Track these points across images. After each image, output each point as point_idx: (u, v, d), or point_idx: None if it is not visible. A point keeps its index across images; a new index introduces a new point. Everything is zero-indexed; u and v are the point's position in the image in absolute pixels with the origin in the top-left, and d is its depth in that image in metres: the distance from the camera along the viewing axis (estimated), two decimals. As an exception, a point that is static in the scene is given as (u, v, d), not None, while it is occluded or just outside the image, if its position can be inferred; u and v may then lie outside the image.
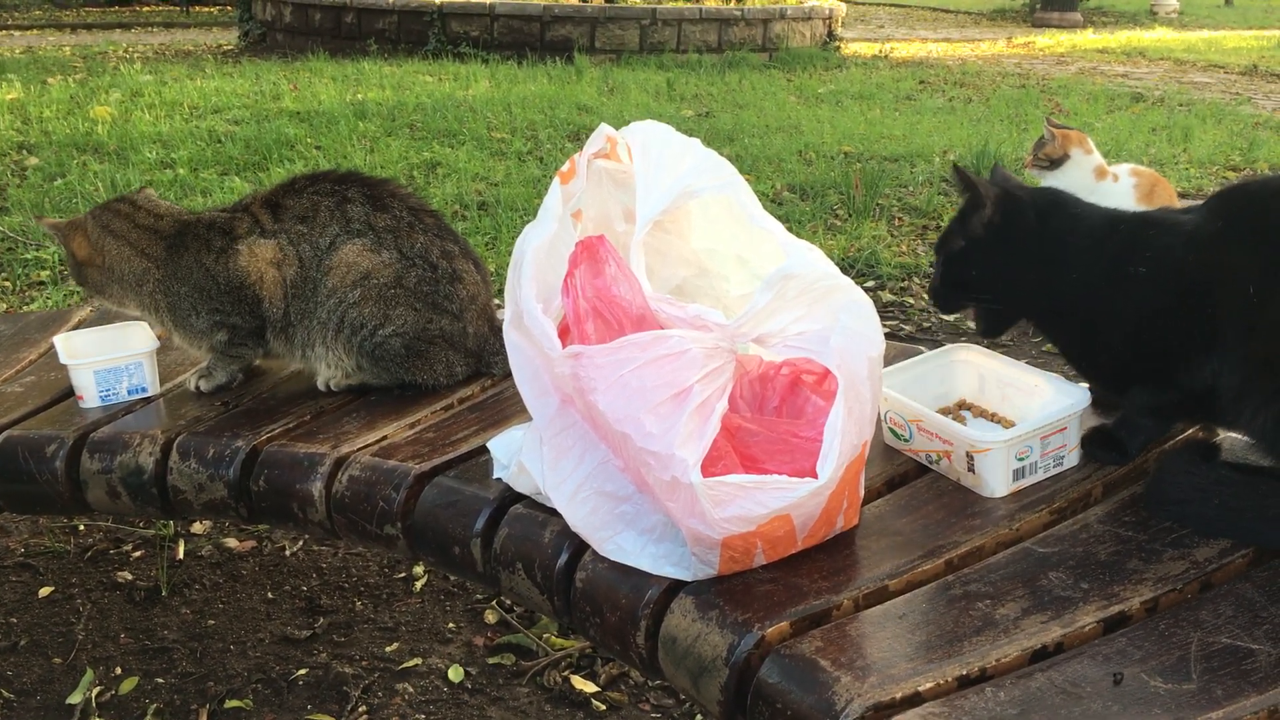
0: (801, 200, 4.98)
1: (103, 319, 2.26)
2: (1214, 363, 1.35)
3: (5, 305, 3.72)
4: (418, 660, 2.10)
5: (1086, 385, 1.54)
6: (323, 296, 1.85)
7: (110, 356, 1.89)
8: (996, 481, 1.41)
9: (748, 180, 1.40)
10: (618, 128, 1.45)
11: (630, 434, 1.19)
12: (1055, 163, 3.59)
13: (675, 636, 1.24)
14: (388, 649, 2.14)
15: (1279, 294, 1.29)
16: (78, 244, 1.93)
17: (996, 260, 1.48)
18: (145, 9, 14.30)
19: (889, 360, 1.52)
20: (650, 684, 2.03)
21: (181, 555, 2.44)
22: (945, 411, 1.58)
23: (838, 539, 1.33)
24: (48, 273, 3.96)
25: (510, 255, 1.38)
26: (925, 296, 3.96)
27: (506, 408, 1.78)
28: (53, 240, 2.04)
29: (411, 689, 2.02)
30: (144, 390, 1.91)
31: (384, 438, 1.71)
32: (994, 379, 1.60)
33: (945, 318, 3.77)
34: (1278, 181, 1.41)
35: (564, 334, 1.32)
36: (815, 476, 1.22)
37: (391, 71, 8.18)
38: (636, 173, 1.38)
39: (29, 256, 4.11)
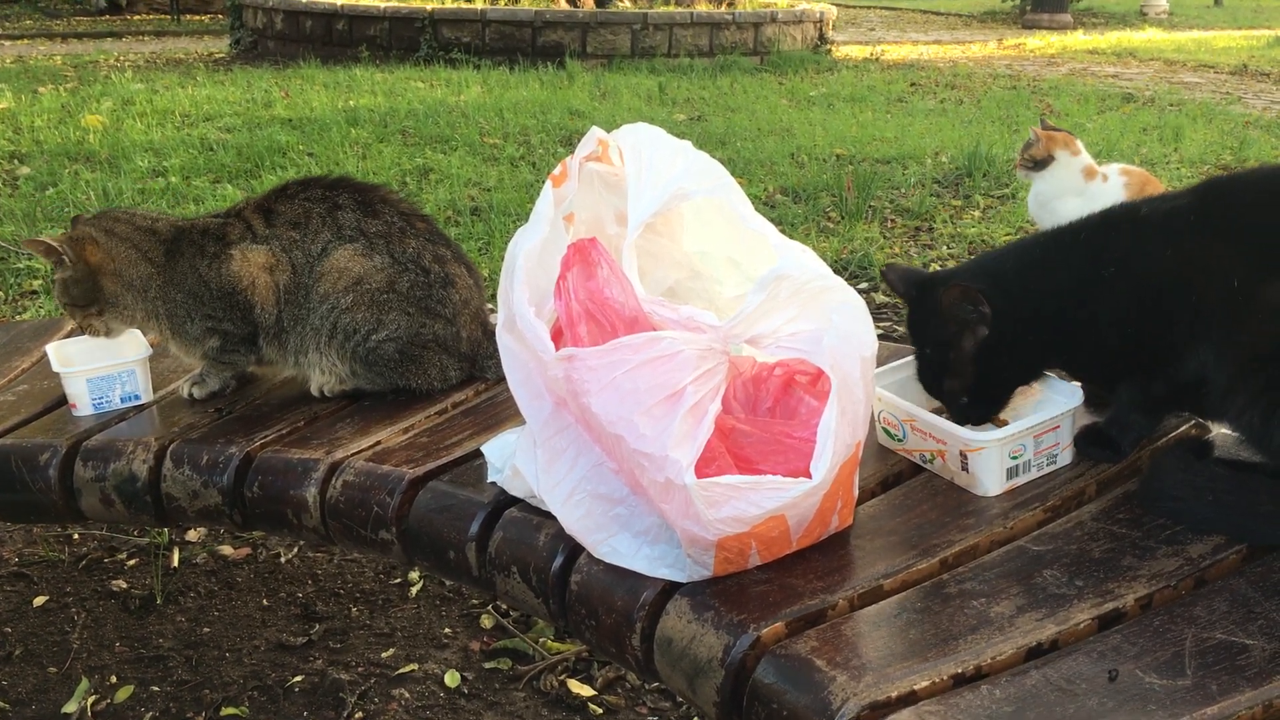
0: (794, 203, 4.99)
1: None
2: (1200, 356, 1.36)
3: (-2, 315, 3.71)
4: (414, 666, 2.10)
5: (1079, 383, 1.55)
6: (315, 302, 1.85)
7: (103, 364, 1.88)
8: (990, 480, 1.42)
9: (740, 183, 1.40)
10: (609, 132, 1.45)
11: (624, 436, 1.19)
12: (1040, 164, 3.63)
13: (671, 638, 1.24)
14: (384, 655, 2.14)
15: (1264, 288, 1.29)
16: (90, 252, 1.85)
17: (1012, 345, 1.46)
18: (136, 18, 14.27)
19: (882, 361, 1.53)
20: (647, 687, 2.03)
21: (176, 563, 2.44)
22: (938, 411, 1.58)
23: (832, 539, 1.33)
24: (40, 282, 3.95)
25: (503, 260, 1.38)
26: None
27: (500, 411, 1.78)
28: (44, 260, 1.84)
29: (408, 694, 2.02)
30: (137, 398, 1.91)
31: (378, 443, 1.71)
32: (987, 378, 1.60)
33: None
34: (1260, 174, 1.41)
35: (557, 337, 1.32)
36: (809, 477, 1.22)
37: (383, 78, 8.17)
38: (628, 175, 1.38)
39: (21, 266, 4.10)
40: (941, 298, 1.43)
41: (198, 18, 14.25)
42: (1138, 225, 1.45)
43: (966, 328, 1.44)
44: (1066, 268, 1.45)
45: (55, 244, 1.84)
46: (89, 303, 1.87)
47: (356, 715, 1.97)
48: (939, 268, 4.20)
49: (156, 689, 2.05)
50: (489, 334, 1.91)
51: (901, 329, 3.68)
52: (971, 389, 1.47)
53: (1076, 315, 1.43)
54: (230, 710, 1.98)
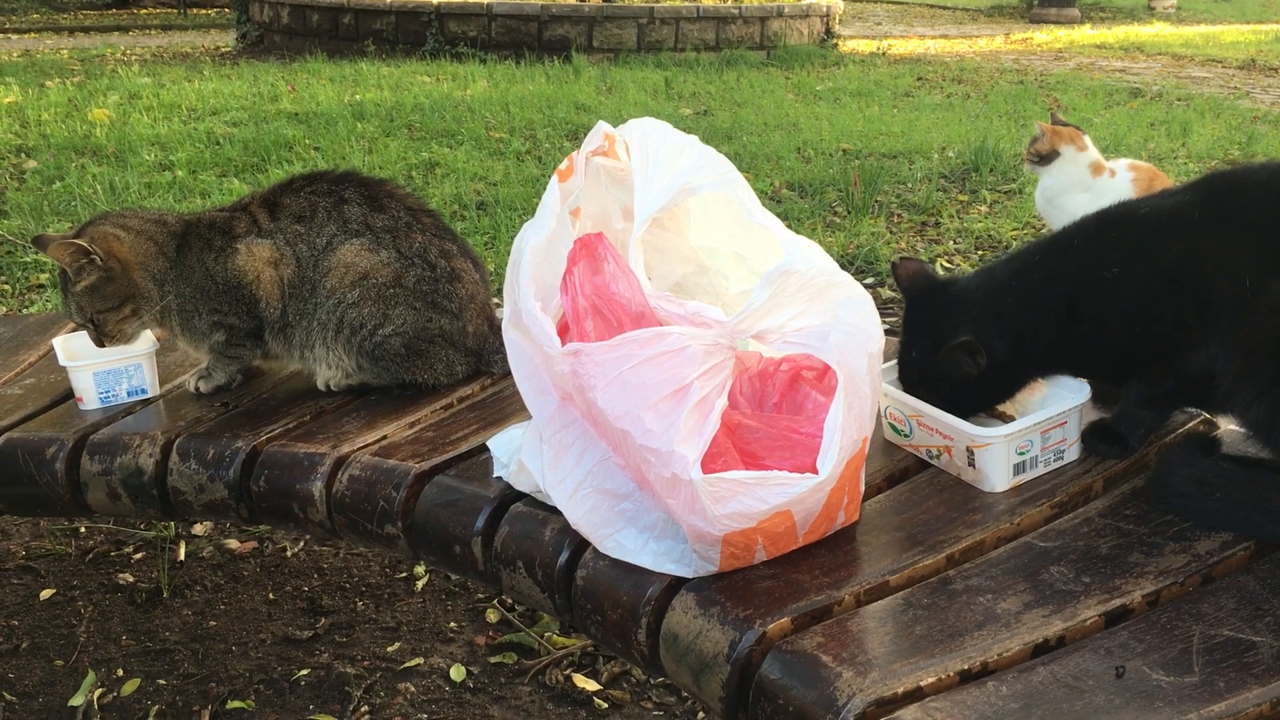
0: (800, 198, 4.98)
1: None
2: (1209, 350, 1.35)
3: (4, 308, 3.72)
4: (419, 660, 2.10)
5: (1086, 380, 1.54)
6: (321, 297, 1.85)
7: (110, 358, 1.88)
8: (997, 476, 1.41)
9: (746, 178, 1.40)
10: (616, 126, 1.45)
11: (630, 431, 1.19)
12: (1045, 158, 3.63)
13: (677, 633, 1.24)
14: (389, 649, 2.14)
15: (1274, 282, 1.29)
16: (116, 247, 1.81)
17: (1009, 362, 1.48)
18: (143, 12, 14.29)
19: (889, 356, 1.52)
20: (652, 682, 2.03)
21: (182, 557, 2.44)
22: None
23: (839, 535, 1.33)
24: (46, 275, 3.95)
25: (509, 254, 1.38)
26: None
27: (506, 406, 1.78)
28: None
29: (413, 689, 2.02)
30: (143, 392, 1.91)
31: (384, 437, 1.71)
32: (994, 374, 1.59)
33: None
34: (1267, 169, 1.41)
35: (563, 332, 1.32)
36: (816, 472, 1.22)
37: (389, 72, 8.17)
38: (634, 170, 1.38)
39: (28, 260, 4.10)
40: (942, 352, 1.45)
41: (204, 12, 14.26)
42: (1139, 223, 1.44)
43: (959, 369, 1.45)
44: (1068, 278, 1.45)
45: (85, 244, 1.78)
46: (123, 301, 1.82)
47: (362, 709, 1.97)
48: (945, 264, 4.20)
49: (163, 682, 2.05)
50: (495, 329, 1.91)
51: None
52: (944, 401, 1.49)
53: (1081, 326, 1.43)
54: (236, 704, 1.98)
